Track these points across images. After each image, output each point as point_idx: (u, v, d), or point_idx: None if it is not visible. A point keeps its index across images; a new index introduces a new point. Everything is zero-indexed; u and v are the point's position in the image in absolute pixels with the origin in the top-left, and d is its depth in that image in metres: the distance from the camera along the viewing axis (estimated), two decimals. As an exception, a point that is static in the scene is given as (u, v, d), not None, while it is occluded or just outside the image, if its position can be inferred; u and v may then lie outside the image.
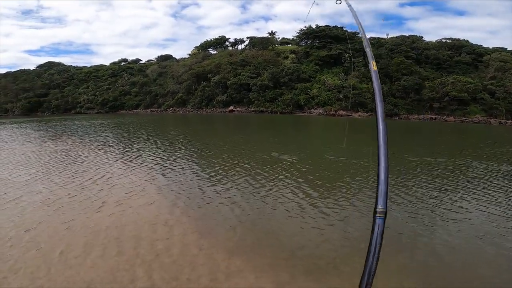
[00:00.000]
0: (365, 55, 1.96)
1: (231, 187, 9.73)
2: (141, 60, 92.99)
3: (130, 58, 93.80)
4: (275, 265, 5.41)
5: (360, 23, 2.14)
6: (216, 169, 12.20)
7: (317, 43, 60.41)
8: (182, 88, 63.36)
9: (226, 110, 56.66)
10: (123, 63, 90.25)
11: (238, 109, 56.22)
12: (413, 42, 58.05)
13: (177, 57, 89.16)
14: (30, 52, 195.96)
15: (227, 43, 78.81)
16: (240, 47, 76.22)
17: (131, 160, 13.98)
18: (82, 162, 13.59)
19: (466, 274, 5.46)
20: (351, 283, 5.07)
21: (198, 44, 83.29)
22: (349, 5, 2.41)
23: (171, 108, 64.32)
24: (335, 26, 62.02)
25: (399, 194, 9.30)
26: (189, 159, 14.47)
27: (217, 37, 79.24)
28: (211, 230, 6.76)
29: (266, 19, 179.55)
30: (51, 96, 74.77)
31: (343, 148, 18.72)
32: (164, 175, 11.39)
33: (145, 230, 6.75)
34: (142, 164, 13.11)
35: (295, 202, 8.50)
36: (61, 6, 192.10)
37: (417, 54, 54.65)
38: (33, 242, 6.19)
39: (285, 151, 15.59)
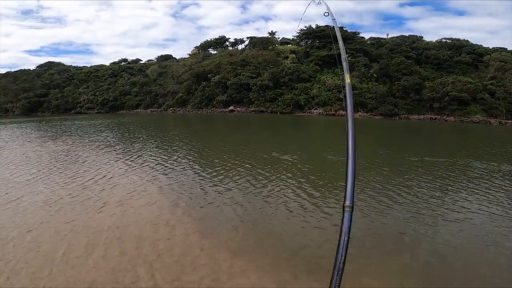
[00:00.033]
0: (341, 67, 2.05)
1: (232, 187, 9.74)
2: (141, 60, 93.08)
3: (130, 58, 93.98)
4: (277, 265, 5.42)
5: (340, 38, 2.15)
6: (217, 169, 12.21)
7: (317, 43, 60.41)
8: (182, 88, 63.34)
9: (226, 110, 56.64)
10: (123, 63, 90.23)
11: (238, 109, 56.20)
12: (413, 42, 58.09)
13: (177, 57, 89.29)
14: (30, 52, 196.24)
15: (227, 43, 78.88)
16: (240, 47, 76.32)
17: (132, 160, 13.98)
18: (83, 162, 13.60)
19: (468, 274, 5.47)
20: (353, 282, 5.08)
21: (198, 44, 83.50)
22: (329, 15, 2.43)
23: (171, 108, 64.30)
24: (335, 26, 61.99)
25: (401, 194, 9.31)
26: (190, 159, 14.47)
27: (217, 37, 79.39)
28: (213, 230, 6.77)
29: (266, 19, 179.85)
30: (51, 96, 74.72)
31: (343, 148, 18.71)
32: (166, 175, 11.40)
33: (147, 230, 6.75)
34: (143, 164, 13.11)
35: (297, 202, 8.51)
36: (61, 6, 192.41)
37: (417, 54, 54.71)
38: (35, 243, 6.19)
39: (285, 151, 15.59)
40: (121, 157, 14.80)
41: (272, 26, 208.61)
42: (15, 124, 38.25)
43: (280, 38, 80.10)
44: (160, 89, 68.63)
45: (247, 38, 73.73)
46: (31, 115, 68.88)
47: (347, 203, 1.28)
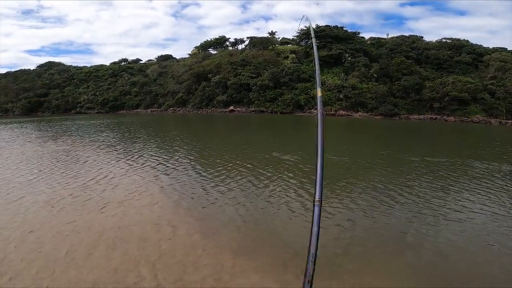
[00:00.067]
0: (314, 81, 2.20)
1: (234, 187, 9.74)
2: (141, 60, 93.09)
3: (130, 58, 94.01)
4: (280, 265, 5.42)
5: (317, 56, 2.25)
6: (218, 169, 12.21)
7: (317, 43, 60.25)
8: (182, 88, 63.34)
9: (226, 110, 56.63)
10: (123, 63, 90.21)
11: (238, 109, 56.20)
12: (413, 42, 58.12)
13: (177, 57, 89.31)
14: (31, 52, 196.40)
15: (227, 43, 78.89)
16: (240, 47, 76.33)
17: (133, 160, 13.99)
18: (84, 162, 13.60)
19: (471, 273, 5.48)
20: (357, 282, 5.09)
21: (198, 44, 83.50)
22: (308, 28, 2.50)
23: (171, 108, 64.29)
24: (335, 26, 62.19)
25: (402, 194, 9.32)
26: (191, 159, 14.48)
27: (217, 37, 79.42)
28: (215, 230, 6.77)
29: (267, 18, 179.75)
30: (51, 96, 74.70)
31: (344, 148, 18.74)
32: (167, 175, 11.40)
33: (149, 230, 6.76)
34: (144, 164, 13.12)
35: (299, 202, 8.51)
36: (61, 6, 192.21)
37: (417, 54, 54.72)
38: (37, 243, 6.18)
39: (286, 151, 15.60)
40: (122, 157, 14.81)
41: (272, 26, 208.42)
42: (16, 124, 38.25)
43: (280, 38, 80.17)
44: (160, 89, 68.63)
45: (247, 38, 73.84)
46: (31, 115, 68.86)
47: (317, 198, 1.41)
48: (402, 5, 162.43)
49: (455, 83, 44.32)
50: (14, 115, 70.85)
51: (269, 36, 75.41)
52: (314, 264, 1.23)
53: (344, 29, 61.36)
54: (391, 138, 26.05)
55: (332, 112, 48.16)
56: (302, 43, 65.02)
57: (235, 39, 78.05)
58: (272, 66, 57.10)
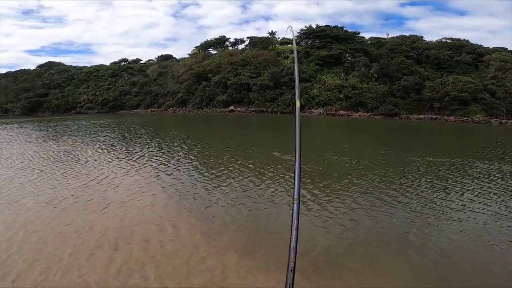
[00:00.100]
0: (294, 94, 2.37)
1: (236, 188, 9.75)
2: (141, 60, 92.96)
3: (130, 58, 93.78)
4: (284, 265, 5.40)
5: (297, 68, 2.35)
6: (220, 169, 12.21)
7: (317, 43, 60.41)
8: (183, 88, 63.31)
9: (227, 110, 56.63)
10: (123, 63, 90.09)
11: (238, 109, 56.19)
12: (414, 42, 58.09)
13: (178, 57, 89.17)
14: (31, 52, 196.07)
15: (227, 43, 78.80)
16: (240, 47, 76.24)
17: (134, 160, 13.99)
18: (86, 162, 13.60)
19: (474, 272, 5.49)
20: (359, 282, 5.11)
21: (198, 44, 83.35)
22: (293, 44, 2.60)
23: (171, 108, 64.26)
24: (336, 26, 62.12)
25: (404, 194, 9.34)
26: (193, 159, 14.48)
27: (217, 37, 79.30)
28: (219, 230, 6.77)
29: (267, 18, 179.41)
30: (51, 96, 74.64)
31: (344, 148, 18.76)
32: (169, 175, 11.40)
33: (152, 231, 6.76)
34: (146, 164, 13.12)
35: (302, 202, 8.50)
36: (61, 6, 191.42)
37: (417, 54, 54.69)
38: (40, 244, 6.19)
39: (287, 151, 15.59)
40: (123, 157, 14.81)
41: (272, 26, 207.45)
42: (16, 124, 38.24)
43: (280, 38, 79.86)
44: (160, 89, 68.60)
45: (247, 38, 73.72)
46: (31, 115, 68.83)
47: (295, 196, 1.52)
48: (402, 5, 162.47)
49: (455, 83, 44.33)
50: (14, 115, 70.81)
51: (269, 36, 75.35)
52: (295, 255, 1.34)
53: (344, 29, 61.38)
54: (391, 138, 26.06)
55: (332, 112, 48.19)
56: (302, 43, 64.97)
57: (235, 39, 78.07)
58: (272, 66, 57.08)
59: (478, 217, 7.72)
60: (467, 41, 59.48)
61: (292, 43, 2.77)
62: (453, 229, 6.99)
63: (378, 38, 67.13)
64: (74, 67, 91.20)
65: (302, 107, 50.69)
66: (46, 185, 10.16)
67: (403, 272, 5.44)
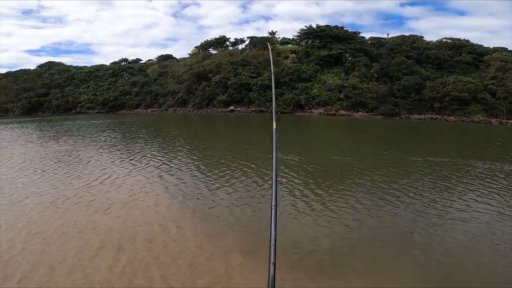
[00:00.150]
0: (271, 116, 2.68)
1: (239, 188, 9.74)
2: (141, 60, 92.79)
3: (130, 58, 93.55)
4: (288, 265, 5.43)
5: (274, 91, 2.60)
6: (222, 169, 12.21)
7: (317, 43, 60.39)
8: (183, 88, 63.25)
9: (227, 110, 56.57)
10: (123, 63, 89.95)
11: (238, 109, 56.14)
12: (414, 42, 58.07)
13: (178, 57, 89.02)
14: (31, 52, 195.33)
15: (227, 43, 78.67)
16: (240, 47, 76.10)
17: (136, 160, 13.99)
18: (87, 162, 13.60)
19: (478, 272, 5.50)
20: (363, 282, 5.11)
21: (198, 44, 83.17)
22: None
23: (171, 108, 64.19)
24: (336, 26, 62.09)
25: (407, 194, 9.35)
26: (195, 159, 14.49)
27: (217, 37, 79.17)
28: (222, 231, 6.77)
29: (267, 18, 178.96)
30: (51, 96, 74.48)
31: (345, 148, 18.77)
32: (171, 175, 11.39)
33: (155, 231, 6.76)
34: (148, 164, 13.11)
35: (304, 201, 8.54)
36: (61, 6, 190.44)
37: (417, 54, 54.67)
38: (43, 244, 6.18)
39: (288, 151, 15.60)
40: (125, 157, 14.81)
41: (272, 26, 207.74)
42: (16, 124, 38.20)
43: (281, 38, 79.97)
44: (160, 89, 68.52)
45: (248, 38, 73.60)
46: (31, 115, 68.71)
47: (273, 203, 1.77)
48: (402, 5, 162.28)
49: (455, 83, 44.33)
50: (14, 115, 70.66)
51: (269, 36, 75.41)
52: (275, 253, 1.56)
53: (345, 29, 61.33)
54: (392, 138, 26.07)
55: (333, 112, 48.17)
56: (303, 43, 64.99)
57: (235, 39, 77.91)
58: (272, 66, 56.98)
59: (482, 217, 7.74)
60: (468, 41, 59.49)
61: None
62: (457, 229, 7.00)
63: (378, 38, 67.08)
64: (74, 67, 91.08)
65: (302, 107, 51.58)
66: (49, 185, 10.16)
67: (407, 272, 5.44)
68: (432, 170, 12.48)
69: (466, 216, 7.77)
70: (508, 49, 56.79)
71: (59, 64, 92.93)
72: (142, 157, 14.77)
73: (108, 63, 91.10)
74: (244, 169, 12.14)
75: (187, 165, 13.00)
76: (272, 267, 1.53)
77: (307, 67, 56.51)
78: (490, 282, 5.27)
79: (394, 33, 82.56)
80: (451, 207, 8.37)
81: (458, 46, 56.63)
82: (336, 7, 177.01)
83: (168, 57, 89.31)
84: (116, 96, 70.70)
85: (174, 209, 8.05)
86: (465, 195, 9.46)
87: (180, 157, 14.67)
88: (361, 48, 57.24)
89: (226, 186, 9.92)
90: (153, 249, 5.97)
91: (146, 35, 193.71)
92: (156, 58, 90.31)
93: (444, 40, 61.21)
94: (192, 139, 22.13)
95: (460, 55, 54.45)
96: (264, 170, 11.81)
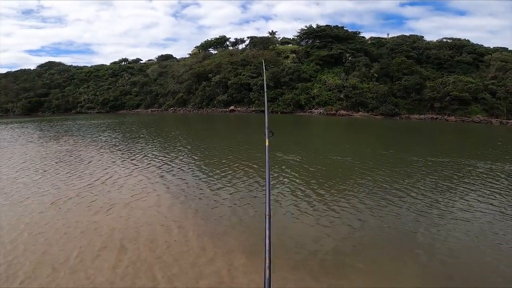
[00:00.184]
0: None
1: (241, 188, 9.73)
2: (141, 60, 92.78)
3: (130, 57, 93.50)
4: (291, 265, 5.43)
5: (267, 109, 2.73)
6: (224, 169, 12.20)
7: (317, 42, 60.38)
8: (183, 88, 63.24)
9: (227, 110, 56.58)
10: (123, 62, 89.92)
11: (238, 108, 56.13)
12: (414, 42, 58.08)
13: (178, 57, 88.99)
14: (31, 52, 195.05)
15: (227, 42, 78.59)
16: (240, 46, 76.05)
17: (138, 160, 13.98)
18: (89, 162, 13.59)
19: (482, 272, 5.50)
20: (366, 282, 5.11)
21: (198, 44, 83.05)
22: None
23: (171, 108, 64.18)
24: (336, 25, 62.08)
25: (409, 194, 9.35)
26: (196, 159, 14.49)
27: (217, 36, 79.08)
28: (225, 231, 6.76)
29: (267, 18, 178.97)
30: (51, 96, 74.44)
31: (346, 148, 18.76)
32: (173, 175, 11.38)
33: (158, 231, 6.75)
34: (149, 164, 13.10)
35: (306, 201, 8.54)
36: (61, 6, 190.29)
37: (418, 54, 54.68)
38: (46, 245, 6.17)
39: (289, 151, 15.61)
40: (126, 157, 14.80)
41: (272, 26, 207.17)
42: (16, 124, 38.18)
43: (281, 38, 79.90)
44: (160, 89, 68.51)
45: (248, 37, 73.54)
46: (31, 115, 68.68)
47: (267, 213, 1.89)
48: (402, 5, 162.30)
49: (456, 83, 44.33)
50: (14, 115, 70.61)
51: (270, 36, 75.27)
52: (270, 257, 1.66)
53: (345, 29, 61.31)
54: (392, 138, 26.07)
55: (333, 112, 48.17)
56: (303, 43, 64.99)
57: (236, 39, 77.80)
58: (272, 66, 57.02)
59: (484, 217, 7.74)
60: (468, 41, 59.50)
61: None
62: (460, 229, 7.01)
63: (379, 38, 67.10)
64: (74, 67, 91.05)
65: (302, 107, 51.61)
66: (50, 185, 10.15)
67: (410, 272, 5.44)
68: (434, 170, 12.48)
69: (468, 216, 7.77)
70: (508, 49, 56.86)
71: (59, 64, 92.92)
72: (143, 157, 14.77)
73: (108, 63, 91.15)
74: (246, 169, 12.13)
75: (188, 165, 12.99)
76: (267, 270, 1.62)
77: (307, 67, 56.52)
78: (493, 281, 5.27)
79: (394, 33, 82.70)
80: (453, 207, 8.37)
81: (458, 46, 56.63)
82: (336, 7, 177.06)
83: (168, 57, 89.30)
84: (116, 96, 70.68)
85: (176, 209, 8.04)
86: (467, 195, 9.46)
87: (181, 157, 14.67)
88: (361, 48, 57.24)
89: (228, 186, 9.91)
90: (156, 250, 5.96)
91: (146, 35, 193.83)
92: (156, 58, 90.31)
93: (444, 40, 61.23)
94: (193, 139, 22.13)
95: (460, 55, 54.45)
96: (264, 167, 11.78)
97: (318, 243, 6.29)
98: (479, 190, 9.89)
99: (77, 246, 6.09)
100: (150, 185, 10.04)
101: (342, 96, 49.19)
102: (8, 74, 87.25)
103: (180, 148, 17.54)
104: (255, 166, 12.59)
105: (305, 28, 63.30)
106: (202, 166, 12.90)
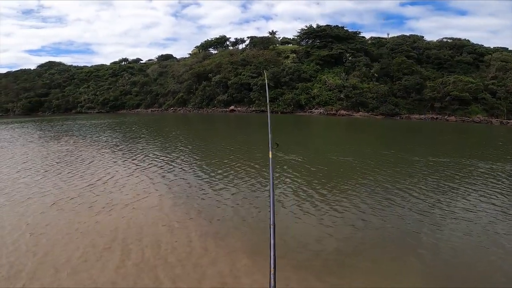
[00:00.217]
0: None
1: (244, 188, 9.71)
2: (141, 60, 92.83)
3: (130, 57, 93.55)
4: (294, 265, 5.43)
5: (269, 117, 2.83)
6: (226, 169, 12.19)
7: (318, 42, 60.35)
8: (183, 87, 63.24)
9: (227, 109, 56.57)
10: (123, 62, 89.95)
11: (239, 108, 56.11)
12: (414, 42, 58.07)
13: (178, 57, 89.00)
14: (31, 51, 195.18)
15: (227, 42, 78.58)
16: (240, 46, 76.03)
17: (139, 160, 13.97)
18: (90, 162, 13.57)
19: (485, 271, 5.50)
20: (367, 282, 5.11)
21: (198, 44, 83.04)
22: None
23: (171, 108, 64.18)
24: (336, 25, 62.05)
25: (412, 194, 9.34)
26: (197, 159, 14.48)
27: (217, 36, 79.09)
28: (228, 231, 6.75)
29: (267, 18, 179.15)
30: (51, 95, 74.47)
31: (346, 148, 18.75)
32: (175, 175, 11.36)
33: (160, 232, 6.74)
34: (150, 164, 13.10)
35: (309, 201, 8.53)
36: (61, 6, 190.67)
37: (418, 54, 54.65)
38: (48, 245, 6.16)
39: (290, 151, 15.59)
40: (127, 157, 14.78)
41: (272, 26, 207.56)
42: (17, 124, 38.17)
43: (281, 38, 79.96)
44: (160, 89, 68.51)
45: (248, 37, 73.53)
46: (32, 115, 68.68)
47: (271, 222, 2.00)
48: (403, 4, 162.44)
49: (456, 83, 44.31)
50: (14, 115, 70.61)
51: (270, 35, 75.26)
52: (275, 265, 1.70)
53: (345, 28, 61.29)
54: (392, 138, 26.06)
55: (333, 111, 48.14)
56: (303, 42, 64.96)
57: (236, 38, 77.82)
58: (272, 66, 57.03)
59: (487, 216, 7.74)
60: (468, 41, 59.48)
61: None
62: (463, 229, 7.00)
63: (379, 38, 67.10)
64: (75, 67, 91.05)
65: (302, 107, 51.60)
66: (52, 185, 10.14)
67: (414, 271, 5.44)
68: (435, 170, 12.47)
69: (471, 216, 7.76)
70: (509, 49, 56.89)
71: (59, 64, 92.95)
72: (144, 157, 14.76)
73: (108, 63, 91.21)
74: (248, 169, 12.12)
75: (190, 165, 12.99)
76: (273, 277, 1.66)
77: (308, 67, 56.50)
78: (496, 281, 5.26)
79: (394, 33, 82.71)
80: (456, 207, 8.37)
81: (458, 46, 56.60)
82: (336, 7, 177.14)
83: (168, 57, 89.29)
84: (116, 96, 70.70)
85: (178, 209, 8.03)
86: (469, 195, 9.46)
87: (182, 157, 14.66)
88: (361, 48, 57.22)
89: (230, 187, 9.90)
90: (158, 250, 5.96)
91: (146, 35, 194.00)
92: (156, 58, 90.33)
93: (445, 40, 61.19)
94: (194, 139, 22.12)
95: (461, 55, 54.42)
96: (268, 171, 11.77)
97: (321, 243, 6.28)
98: (481, 190, 9.88)
99: (79, 247, 6.08)
100: (152, 185, 10.03)
101: (342, 96, 49.16)
102: (8, 74, 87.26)
103: (181, 148, 17.53)
104: (256, 166, 12.58)
105: (305, 28, 63.32)
106: (203, 166, 12.89)
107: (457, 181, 11.04)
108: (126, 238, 6.42)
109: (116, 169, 12.23)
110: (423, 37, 62.52)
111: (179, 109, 63.09)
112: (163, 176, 11.18)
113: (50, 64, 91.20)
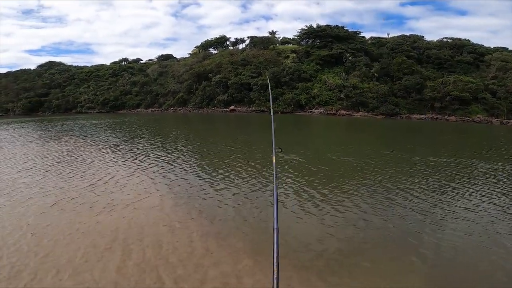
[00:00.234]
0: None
1: (245, 189, 9.70)
2: (141, 60, 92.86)
3: (130, 57, 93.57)
4: (297, 265, 5.43)
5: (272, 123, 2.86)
6: (227, 169, 12.18)
7: (318, 42, 60.36)
8: (183, 87, 63.24)
9: (227, 109, 56.59)
10: (123, 62, 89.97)
11: (239, 108, 56.13)
12: (414, 42, 58.08)
13: (178, 57, 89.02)
14: (31, 51, 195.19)
15: (227, 42, 78.61)
16: (240, 46, 76.06)
17: (139, 160, 13.96)
18: (90, 162, 13.57)
19: (487, 271, 5.49)
20: (370, 281, 5.10)
21: (198, 44, 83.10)
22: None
23: (172, 108, 64.19)
24: (336, 25, 62.07)
25: (413, 194, 9.34)
26: (198, 159, 14.48)
27: (217, 36, 79.13)
28: (231, 232, 6.74)
29: (267, 18, 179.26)
30: (52, 95, 74.47)
31: (346, 148, 18.75)
32: (176, 175, 11.35)
33: (162, 232, 6.73)
34: (152, 164, 13.08)
35: (311, 202, 8.52)
36: (61, 6, 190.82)
37: (418, 54, 54.68)
38: (49, 246, 6.14)
39: (290, 151, 15.59)
40: (128, 157, 14.77)
41: (272, 26, 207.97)
42: (17, 124, 38.15)
43: (281, 38, 79.98)
44: (160, 89, 68.51)
45: (248, 37, 73.58)
46: (32, 114, 68.65)
47: (275, 226, 2.04)
48: (403, 4, 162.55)
49: (456, 83, 44.32)
50: (14, 115, 70.59)
51: (270, 35, 75.27)
52: (278, 267, 1.75)
53: (345, 28, 61.30)
54: (393, 138, 26.06)
55: (333, 111, 48.16)
56: (303, 42, 64.95)
57: (236, 38, 77.85)
58: (272, 66, 57.05)
59: (488, 216, 7.74)
60: (468, 40, 59.51)
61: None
62: (464, 228, 7.00)
63: (379, 37, 67.12)
64: (75, 66, 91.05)
65: (302, 107, 51.64)
66: (52, 185, 10.13)
67: (416, 271, 5.44)
68: (436, 170, 12.47)
69: (472, 215, 7.76)
70: (509, 49, 56.93)
71: (60, 64, 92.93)
72: (145, 157, 14.75)
73: (108, 63, 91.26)
74: (249, 169, 12.11)
75: (190, 165, 12.98)
76: (275, 281, 1.69)
77: (308, 66, 56.51)
78: (498, 280, 5.26)
79: (394, 33, 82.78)
80: (457, 207, 8.36)
81: (458, 46, 56.63)
82: (336, 6, 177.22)
83: (169, 57, 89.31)
84: (116, 96, 70.70)
85: (179, 209, 8.02)
86: (470, 195, 9.45)
87: (183, 157, 14.65)
88: (361, 47, 57.25)
89: (232, 186, 9.89)
90: (160, 250, 5.95)
91: (146, 35, 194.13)
92: (156, 58, 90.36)
93: (445, 40, 61.22)
94: (194, 138, 22.11)
95: (461, 55, 54.46)
96: (269, 170, 11.78)
97: (323, 243, 6.27)
98: (482, 190, 9.88)
99: (81, 247, 6.08)
100: (152, 185, 10.02)
101: (342, 96, 49.18)
102: (8, 74, 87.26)
103: (181, 148, 17.52)
104: (257, 166, 12.58)
105: (305, 28, 63.33)
106: (204, 166, 12.89)
107: (458, 181, 11.04)
108: (127, 238, 6.41)
109: (117, 169, 12.22)
110: (423, 37, 62.62)
111: (179, 109, 63.09)
112: (164, 176, 11.17)
113: (50, 64, 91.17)
